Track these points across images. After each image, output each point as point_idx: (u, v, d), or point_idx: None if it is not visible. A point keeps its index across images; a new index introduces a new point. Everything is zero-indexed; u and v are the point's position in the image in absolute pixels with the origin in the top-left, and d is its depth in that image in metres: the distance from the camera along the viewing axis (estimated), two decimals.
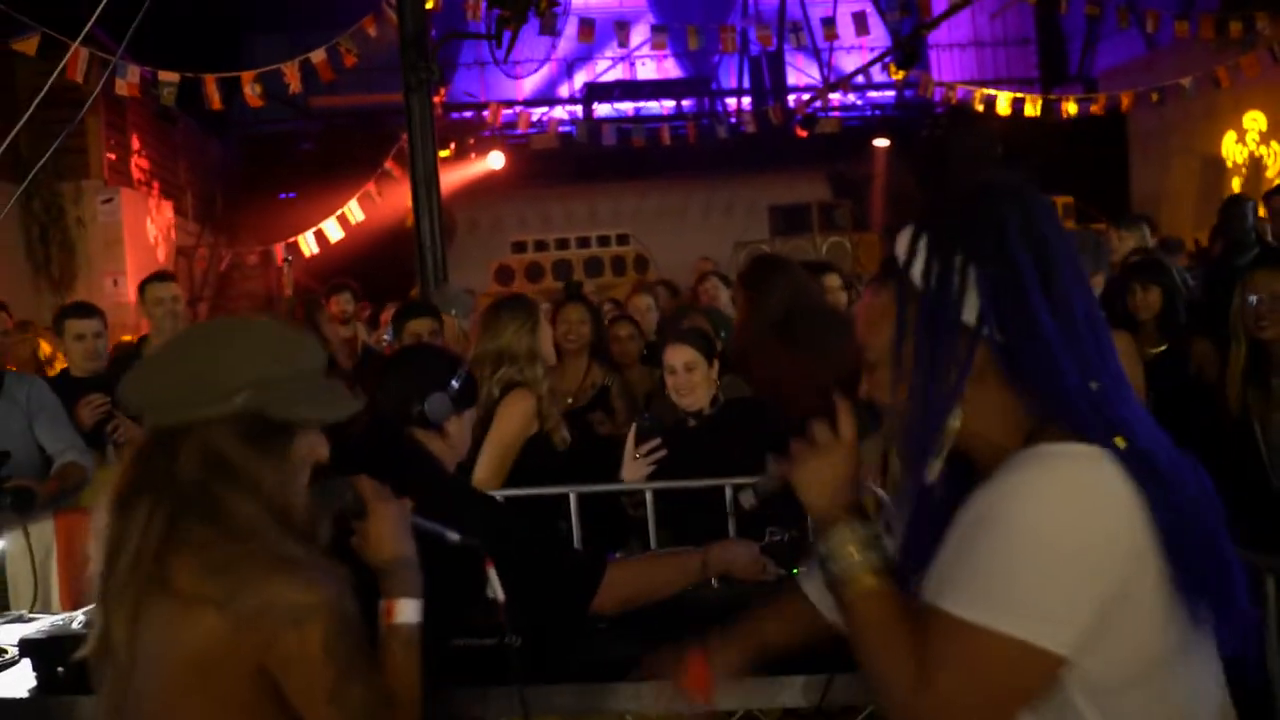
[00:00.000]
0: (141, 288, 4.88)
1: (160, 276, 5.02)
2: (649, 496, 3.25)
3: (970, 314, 1.35)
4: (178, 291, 4.89)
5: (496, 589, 1.99)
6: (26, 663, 2.60)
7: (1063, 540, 1.26)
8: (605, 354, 5.09)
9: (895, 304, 1.41)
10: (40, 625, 2.78)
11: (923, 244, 1.39)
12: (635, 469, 3.35)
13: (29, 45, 6.37)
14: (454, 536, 1.93)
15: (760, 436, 3.31)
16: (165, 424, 1.53)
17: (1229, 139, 11.53)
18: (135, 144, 10.80)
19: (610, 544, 3.39)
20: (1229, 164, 11.57)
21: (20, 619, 3.05)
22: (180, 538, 1.45)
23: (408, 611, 1.68)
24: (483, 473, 3.47)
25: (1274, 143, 11.00)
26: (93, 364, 4.43)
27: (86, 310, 4.49)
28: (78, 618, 2.70)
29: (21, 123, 4.29)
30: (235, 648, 1.41)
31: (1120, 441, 1.29)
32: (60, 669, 2.54)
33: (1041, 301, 1.33)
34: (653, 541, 3.24)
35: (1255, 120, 11.21)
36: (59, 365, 5.14)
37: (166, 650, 1.41)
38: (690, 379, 3.42)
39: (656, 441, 3.34)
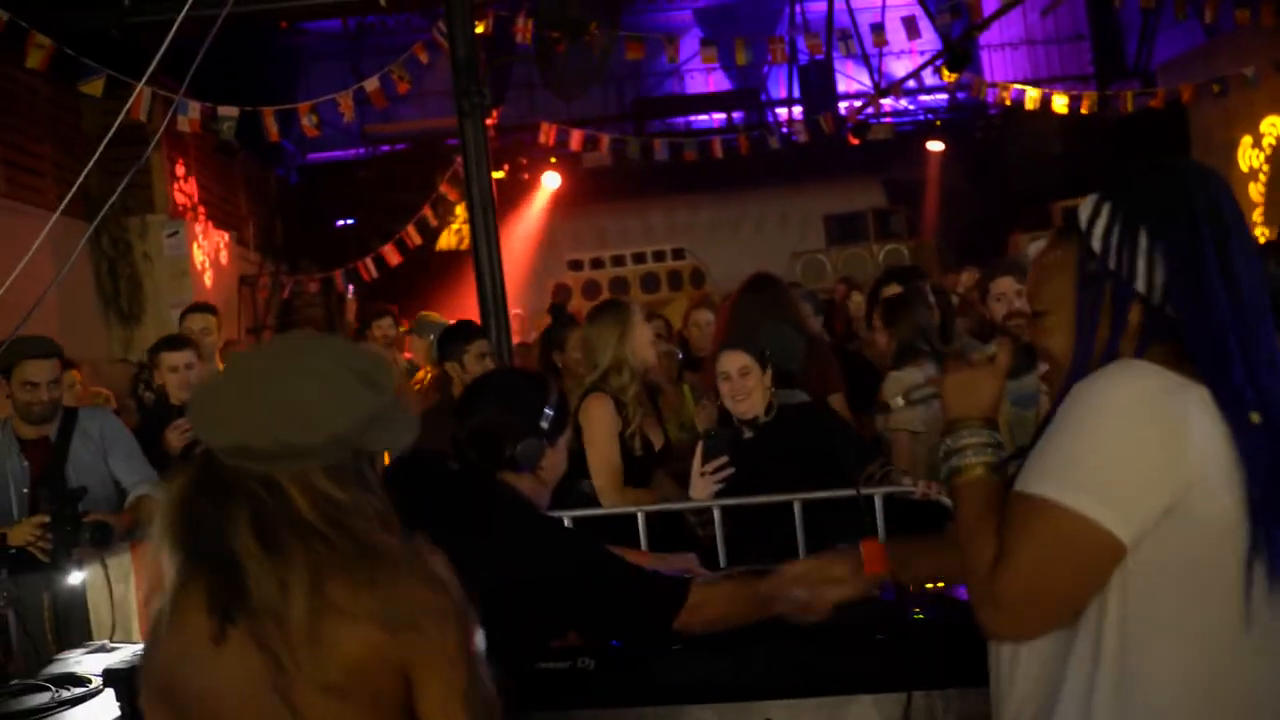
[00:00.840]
0: (180, 319, 4.98)
1: (196, 308, 5.11)
2: (717, 514, 3.23)
3: (1143, 283, 1.44)
4: (209, 323, 4.96)
5: None
6: (110, 693, 2.65)
7: (1134, 436, 1.37)
8: None
9: (1071, 260, 1.52)
10: (123, 655, 2.84)
11: (1106, 210, 1.49)
12: (703, 486, 3.32)
13: (95, 87, 6.54)
14: None
15: (814, 444, 3.28)
16: (265, 471, 1.49)
17: (1245, 142, 11.28)
18: (197, 177, 11.03)
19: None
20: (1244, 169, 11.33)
21: (103, 649, 3.12)
22: (328, 563, 1.48)
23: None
24: (601, 481, 3.55)
25: None
26: (187, 394, 4.53)
27: (179, 343, 4.60)
28: None
29: (92, 163, 4.39)
30: (389, 653, 1.46)
31: (1255, 417, 1.38)
32: None
33: (1219, 282, 1.42)
34: (721, 559, 3.21)
35: (1274, 125, 10.97)
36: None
37: (327, 661, 1.46)
38: (745, 384, 3.39)
39: (724, 459, 3.30)
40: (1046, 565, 1.39)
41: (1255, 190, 11.21)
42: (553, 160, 12.50)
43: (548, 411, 2.22)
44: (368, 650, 1.46)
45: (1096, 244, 1.48)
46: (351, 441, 1.51)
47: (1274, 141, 11.00)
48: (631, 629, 2.22)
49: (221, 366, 4.84)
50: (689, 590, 2.17)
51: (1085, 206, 1.53)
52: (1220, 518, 1.38)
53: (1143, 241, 1.45)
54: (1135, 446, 1.37)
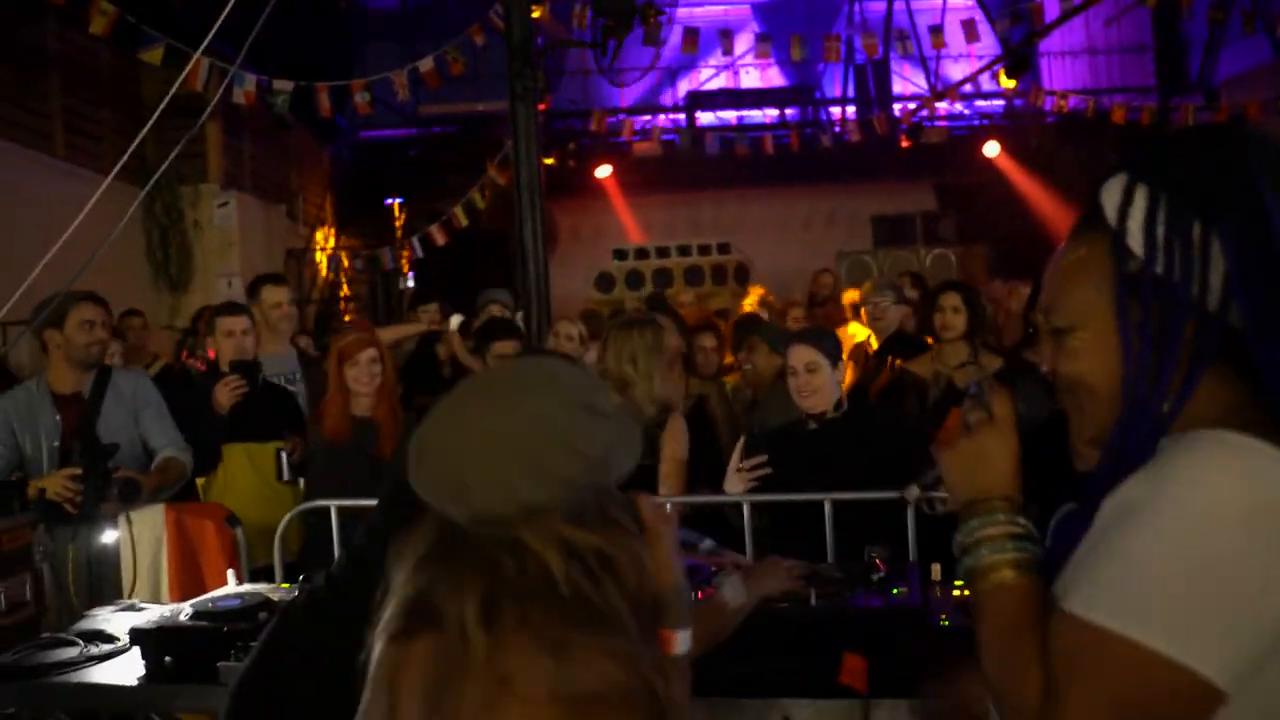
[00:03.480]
0: (254, 288, 4.96)
1: (273, 279, 5.06)
2: (746, 510, 3.21)
3: (1211, 296, 1.12)
4: (281, 297, 4.87)
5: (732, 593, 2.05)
6: (136, 651, 2.68)
7: (1227, 542, 1.03)
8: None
9: (1101, 261, 1.19)
10: (150, 615, 2.87)
11: (1142, 195, 1.17)
12: (737, 482, 3.30)
13: (154, 55, 6.62)
14: (708, 544, 1.87)
15: (879, 444, 3.24)
16: (509, 533, 1.31)
17: None
18: (250, 149, 11.15)
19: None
20: None
21: (132, 608, 3.16)
22: (541, 645, 1.28)
23: (682, 643, 1.58)
24: (667, 490, 3.56)
25: None
26: (241, 358, 4.53)
27: (235, 309, 4.60)
28: (185, 609, 2.77)
29: (146, 129, 4.44)
30: None
31: None
32: (168, 658, 2.62)
33: None
34: (749, 553, 3.20)
35: None
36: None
37: None
38: (811, 381, 3.34)
39: (763, 458, 3.27)
40: (1113, 713, 1.07)
41: None
42: (603, 149, 12.50)
43: None
44: None
45: (1135, 240, 1.16)
46: (592, 481, 1.33)
47: None
48: None
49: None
50: None
51: (1112, 190, 1.21)
52: None
53: (1195, 232, 1.12)
54: (1232, 556, 1.03)
